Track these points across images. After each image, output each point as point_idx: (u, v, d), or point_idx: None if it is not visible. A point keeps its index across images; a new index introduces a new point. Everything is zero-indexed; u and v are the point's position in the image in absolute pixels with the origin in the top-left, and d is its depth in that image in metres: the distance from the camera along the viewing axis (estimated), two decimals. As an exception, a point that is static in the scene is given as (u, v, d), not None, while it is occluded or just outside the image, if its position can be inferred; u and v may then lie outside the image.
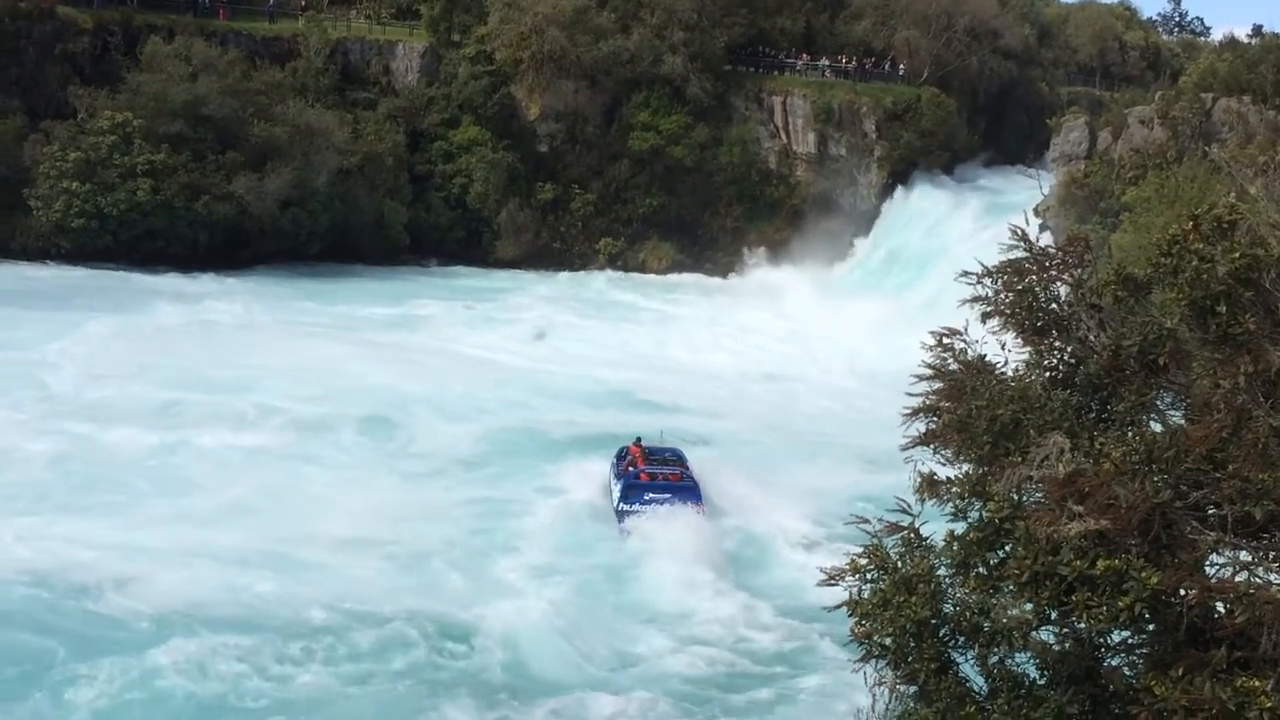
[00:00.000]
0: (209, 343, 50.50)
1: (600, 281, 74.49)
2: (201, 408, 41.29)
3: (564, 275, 75.45)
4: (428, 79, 78.16)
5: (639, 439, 37.85)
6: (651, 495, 34.82)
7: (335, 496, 34.52)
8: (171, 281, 62.67)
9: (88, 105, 66.04)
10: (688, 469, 36.79)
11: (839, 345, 59.21)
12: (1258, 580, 8.58)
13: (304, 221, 68.70)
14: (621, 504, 35.00)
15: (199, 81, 67.09)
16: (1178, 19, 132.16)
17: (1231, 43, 73.50)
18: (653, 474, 35.70)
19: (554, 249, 77.80)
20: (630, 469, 36.28)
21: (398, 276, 70.83)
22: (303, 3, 79.97)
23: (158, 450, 37.19)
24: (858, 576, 9.21)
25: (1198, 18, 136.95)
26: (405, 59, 78.58)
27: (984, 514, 8.95)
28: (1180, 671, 8.07)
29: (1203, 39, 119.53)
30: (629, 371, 52.16)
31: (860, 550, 9.32)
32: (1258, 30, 79.39)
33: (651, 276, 76.64)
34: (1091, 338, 9.95)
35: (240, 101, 68.17)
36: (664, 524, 33.40)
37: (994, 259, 10.57)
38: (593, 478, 37.54)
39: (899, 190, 77.44)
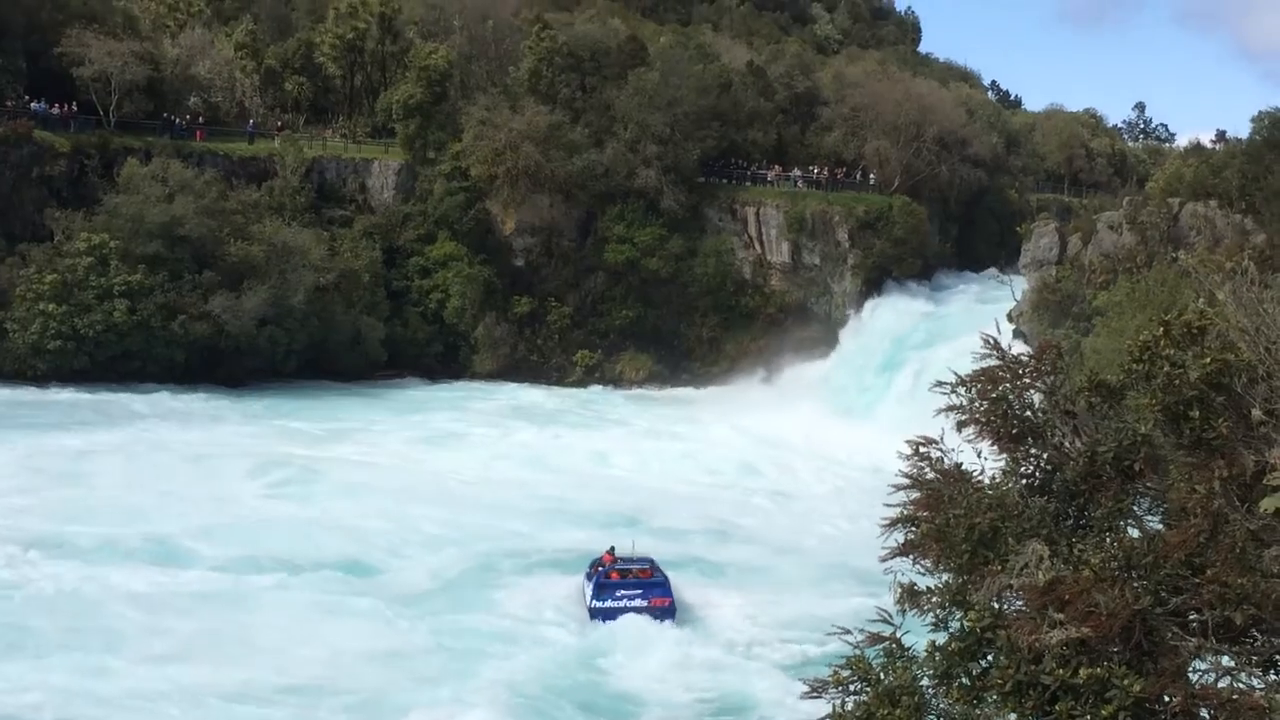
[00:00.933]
0: (143, 469, 48.97)
1: (560, 398, 74.19)
2: (126, 543, 39.25)
3: (539, 389, 75.39)
4: (403, 196, 78.76)
5: (612, 548, 38.11)
6: (623, 592, 35.30)
7: (280, 639, 32.59)
8: (147, 400, 62.47)
9: (64, 227, 66.30)
10: (658, 568, 37.16)
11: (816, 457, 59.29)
12: (1240, 685, 8.56)
13: (281, 339, 68.73)
14: (594, 601, 35.65)
15: (176, 202, 67.41)
16: (1143, 125, 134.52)
17: (1196, 148, 74.76)
18: (623, 571, 36.22)
19: (531, 361, 78.00)
20: (600, 569, 36.58)
21: (371, 393, 70.58)
22: (279, 123, 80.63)
23: (70, 592, 34.85)
24: (840, 688, 9.15)
25: (1162, 124, 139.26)
26: (381, 176, 79.20)
27: (965, 623, 8.93)
28: (1167, 780, 8.02)
29: (1168, 145, 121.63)
30: (577, 488, 51.61)
31: (843, 661, 9.26)
32: (1221, 135, 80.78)
33: (629, 390, 76.83)
34: (1067, 444, 9.99)
35: (217, 221, 68.44)
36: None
37: (967, 368, 10.65)
38: (557, 598, 37.36)
39: (871, 299, 78.04)
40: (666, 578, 36.81)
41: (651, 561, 37.97)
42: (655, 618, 35.26)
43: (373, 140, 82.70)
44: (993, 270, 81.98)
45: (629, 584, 36.06)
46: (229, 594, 35.93)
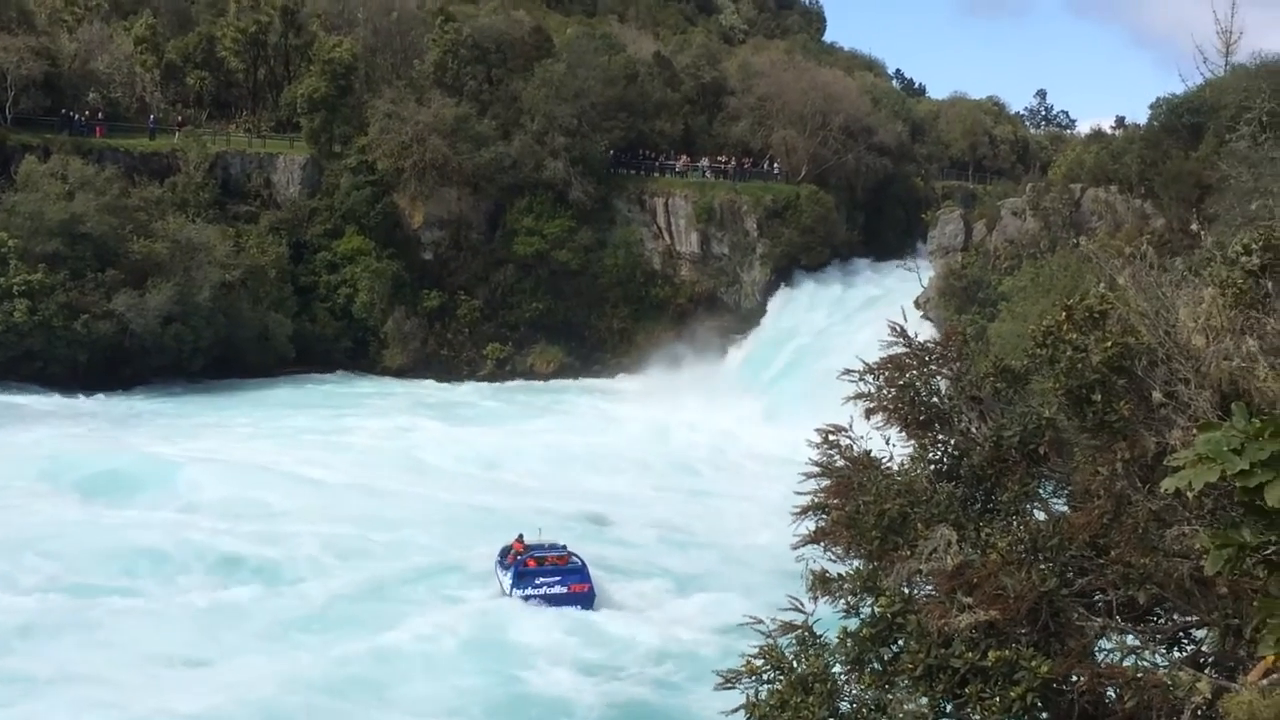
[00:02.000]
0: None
1: (466, 391, 73.75)
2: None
3: (442, 383, 75.00)
4: (309, 190, 78.02)
5: (520, 535, 38.08)
6: (541, 579, 35.39)
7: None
8: (44, 403, 61.10)
9: (-39, 227, 64.96)
10: (574, 554, 37.27)
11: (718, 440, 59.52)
12: (1145, 664, 8.70)
13: (187, 337, 67.75)
14: (514, 590, 35.69)
15: (76, 200, 66.25)
16: (1044, 113, 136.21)
17: (1097, 135, 75.75)
18: (540, 558, 36.21)
19: (442, 356, 77.60)
20: (517, 557, 36.53)
21: (276, 388, 69.58)
22: (179, 119, 79.43)
23: None
24: (754, 678, 9.19)
25: (1063, 111, 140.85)
26: (286, 171, 78.37)
27: (876, 609, 9.00)
28: (1075, 759, 8.13)
29: (1069, 131, 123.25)
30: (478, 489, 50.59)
31: (755, 650, 9.31)
32: (1120, 122, 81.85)
33: (536, 382, 76.64)
34: (973, 429, 10.10)
35: (119, 219, 67.35)
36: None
37: (875, 355, 10.73)
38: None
39: (780, 289, 78.47)
40: (584, 563, 36.87)
41: (565, 548, 38.00)
42: (575, 604, 35.41)
43: (277, 135, 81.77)
44: (905, 262, 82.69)
45: (547, 570, 36.16)
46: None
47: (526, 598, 35.39)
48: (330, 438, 56.38)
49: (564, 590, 35.74)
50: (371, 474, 50.02)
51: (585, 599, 35.88)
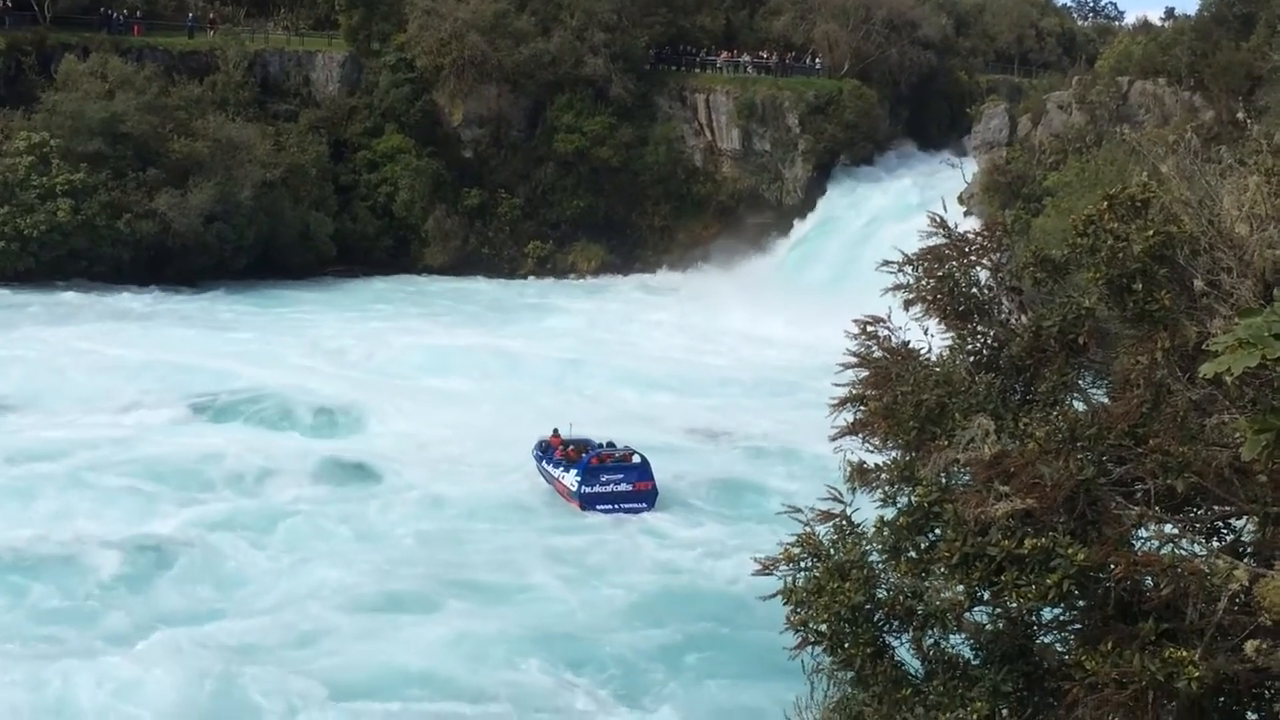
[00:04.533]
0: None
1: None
2: None
3: (491, 281, 75.27)
4: (348, 89, 77.78)
5: (555, 430, 38.47)
6: (608, 476, 36.04)
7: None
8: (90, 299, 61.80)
9: (2, 127, 65.22)
10: (636, 451, 37.68)
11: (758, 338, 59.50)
12: (1182, 552, 8.71)
13: (229, 236, 68.07)
14: (582, 486, 36.25)
15: (116, 99, 66.27)
16: (1092, 4, 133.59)
17: (1145, 26, 74.60)
18: (603, 455, 36.67)
19: (483, 254, 77.65)
20: (581, 453, 36.96)
21: (320, 287, 70.20)
22: (211, 16, 79.09)
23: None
24: (791, 565, 9.26)
25: (1111, 2, 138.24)
26: (325, 69, 78.09)
27: (913, 498, 9.03)
28: (1110, 645, 8.17)
29: (1117, 23, 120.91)
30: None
31: (793, 538, 9.38)
32: (1170, 13, 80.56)
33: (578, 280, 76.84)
34: (1012, 320, 10.05)
35: (159, 118, 67.44)
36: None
37: (916, 248, 10.67)
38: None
39: (821, 181, 77.84)
40: (646, 460, 37.23)
41: (590, 443, 38.44)
42: (640, 502, 36.19)
43: (315, 32, 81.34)
44: (945, 155, 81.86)
45: (611, 468, 36.65)
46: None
47: (594, 495, 35.93)
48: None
49: (629, 488, 36.24)
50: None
51: (649, 496, 36.39)
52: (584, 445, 37.83)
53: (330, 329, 57.84)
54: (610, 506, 36.01)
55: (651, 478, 36.77)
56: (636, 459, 37.15)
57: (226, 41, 75.13)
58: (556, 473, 37.44)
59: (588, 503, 36.09)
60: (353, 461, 39.26)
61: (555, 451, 38.02)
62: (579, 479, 36.42)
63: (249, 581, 30.44)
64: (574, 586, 30.67)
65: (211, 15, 79.18)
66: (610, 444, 38.15)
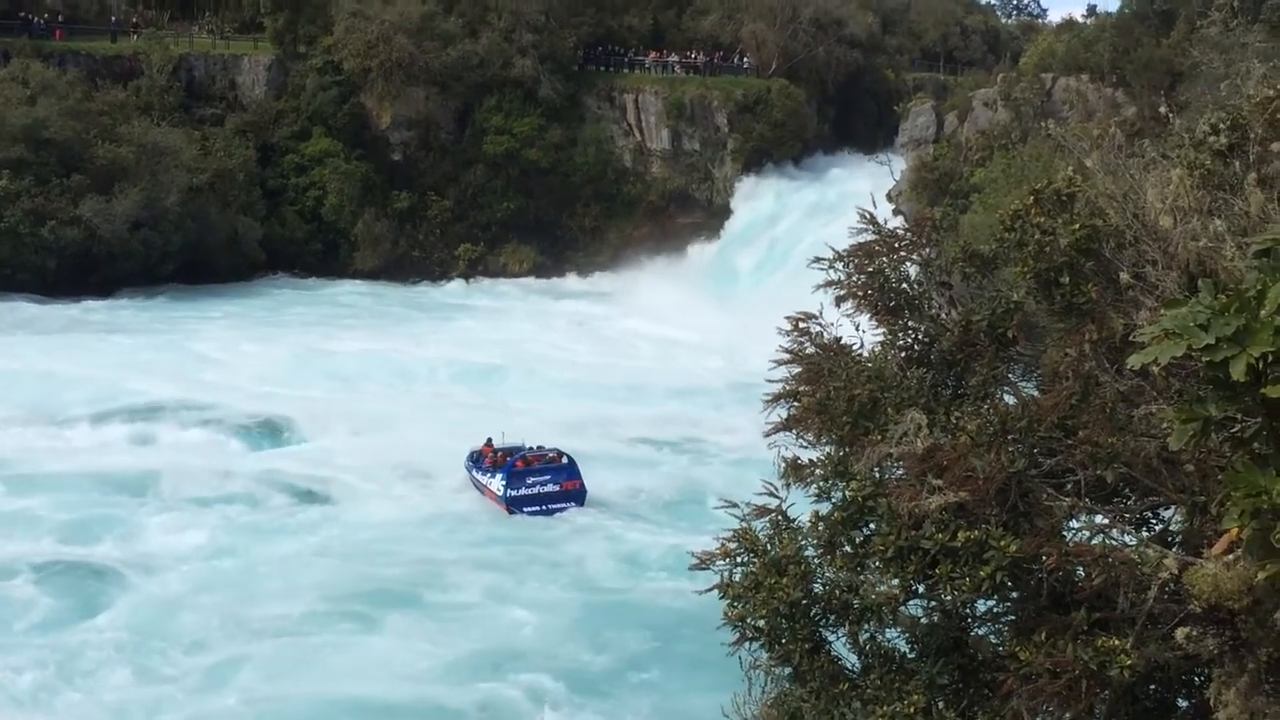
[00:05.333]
0: None
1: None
2: None
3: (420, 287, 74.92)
4: (275, 92, 77.21)
5: (489, 439, 38.33)
6: (534, 478, 35.79)
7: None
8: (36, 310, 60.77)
9: (-79, 134, 64.19)
10: (564, 453, 37.48)
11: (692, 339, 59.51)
12: (1113, 542, 8.80)
13: (156, 242, 67.29)
14: (508, 490, 36.17)
15: (38, 104, 65.49)
16: (1015, 2, 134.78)
17: (1068, 24, 75.43)
18: (528, 459, 36.51)
19: (413, 257, 77.37)
20: (508, 458, 36.81)
21: (248, 293, 69.33)
22: (134, 20, 78.23)
23: None
24: (728, 560, 9.29)
25: (1034, 0, 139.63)
26: (251, 73, 77.48)
27: (847, 493, 9.07)
28: (1043, 636, 8.25)
29: (1040, 21, 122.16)
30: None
31: (730, 534, 9.40)
32: (1092, 10, 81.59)
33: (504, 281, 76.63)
34: (943, 315, 10.12)
35: (83, 123, 66.65)
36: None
37: (846, 244, 10.73)
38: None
39: (749, 181, 77.95)
40: (573, 460, 37.18)
41: (553, 449, 38.32)
42: (568, 501, 36.16)
43: (241, 35, 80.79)
44: (877, 156, 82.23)
45: (537, 470, 36.65)
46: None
47: (520, 497, 35.79)
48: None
49: (557, 488, 36.21)
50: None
51: (578, 495, 36.36)
52: (513, 452, 37.81)
53: (249, 336, 56.78)
54: (538, 508, 35.92)
55: (579, 477, 36.83)
56: (564, 459, 37.19)
57: (150, 45, 74.34)
58: (484, 479, 37.36)
59: (514, 505, 35.95)
60: (273, 477, 38.37)
61: (485, 459, 37.96)
62: (504, 482, 36.36)
63: (158, 606, 29.35)
64: (503, 598, 30.50)
65: (135, 19, 78.43)
66: (540, 447, 38.14)
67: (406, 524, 35.23)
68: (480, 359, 53.75)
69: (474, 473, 38.16)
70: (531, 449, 37.78)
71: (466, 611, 29.77)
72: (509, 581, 31.47)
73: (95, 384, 45.80)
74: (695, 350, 57.98)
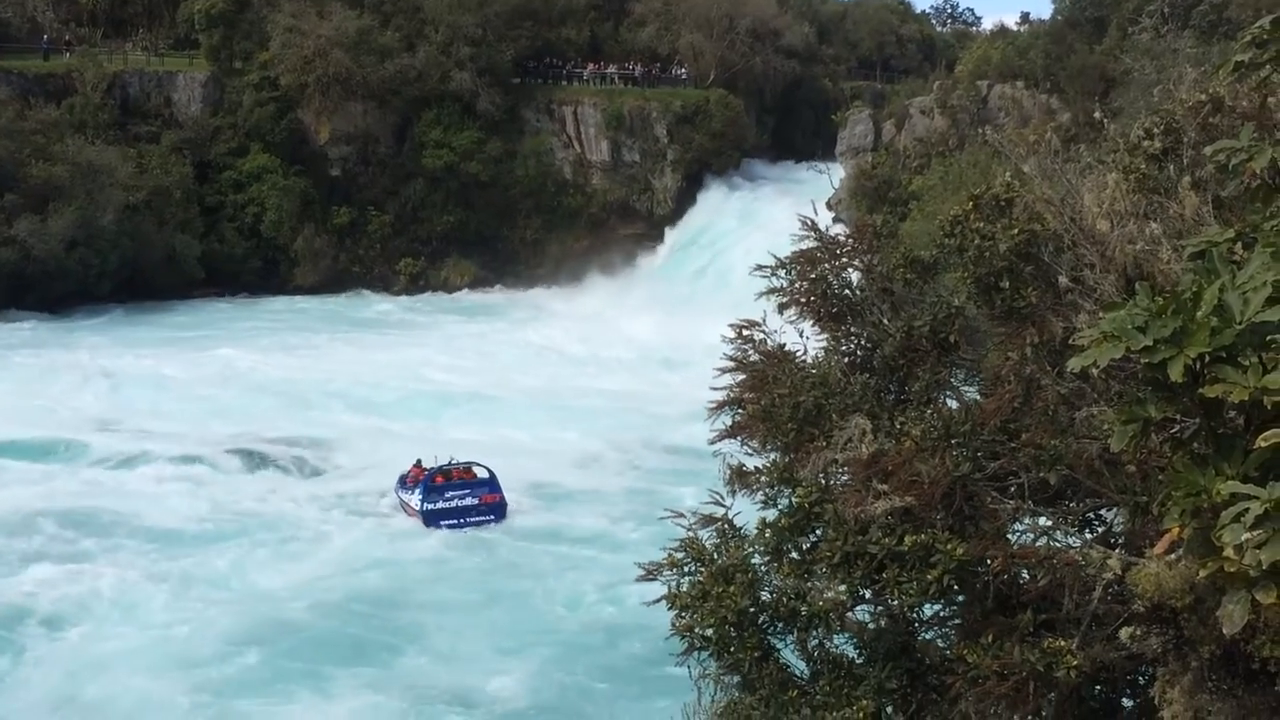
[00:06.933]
0: None
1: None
2: None
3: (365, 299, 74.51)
4: (211, 108, 76.64)
5: (418, 460, 37.97)
6: (452, 492, 35.49)
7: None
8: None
9: None
10: (483, 465, 37.26)
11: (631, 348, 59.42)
12: (1057, 544, 8.88)
13: (92, 261, 66.59)
14: (425, 504, 35.80)
15: (-31, 124, 64.71)
16: (950, 10, 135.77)
17: (1002, 31, 76.07)
18: (447, 473, 36.18)
19: (354, 272, 77.05)
20: (425, 473, 36.55)
21: (185, 311, 68.56)
22: (67, 38, 77.49)
23: None
24: (675, 570, 9.29)
25: (969, 9, 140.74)
26: (187, 89, 76.85)
27: (793, 500, 9.11)
28: (990, 638, 8.31)
29: (974, 29, 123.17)
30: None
31: (676, 544, 9.40)
32: (1025, 18, 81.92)
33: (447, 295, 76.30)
34: (885, 321, 10.19)
35: (15, 142, 65.92)
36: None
37: (787, 251, 10.76)
38: None
39: (691, 194, 78.16)
40: (493, 474, 36.89)
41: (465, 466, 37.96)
42: (487, 515, 35.78)
43: (176, 52, 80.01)
44: (816, 164, 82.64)
45: (456, 485, 36.29)
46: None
47: (437, 511, 35.42)
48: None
49: (475, 501, 35.90)
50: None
51: (497, 509, 36.07)
52: (454, 466, 37.50)
53: (179, 356, 55.68)
54: (456, 522, 35.45)
55: (499, 490, 36.47)
56: (483, 473, 36.88)
57: (84, 63, 73.62)
58: (406, 496, 37.01)
59: (431, 520, 35.49)
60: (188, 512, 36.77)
61: (409, 479, 37.68)
62: (421, 497, 36.03)
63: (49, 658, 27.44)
64: (453, 622, 29.94)
65: (68, 37, 77.63)
66: (458, 460, 37.73)
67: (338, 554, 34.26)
68: (426, 379, 53.35)
69: (399, 492, 37.76)
70: (455, 464, 37.43)
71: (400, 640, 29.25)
72: (446, 601, 31.14)
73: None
74: (635, 361, 57.89)
